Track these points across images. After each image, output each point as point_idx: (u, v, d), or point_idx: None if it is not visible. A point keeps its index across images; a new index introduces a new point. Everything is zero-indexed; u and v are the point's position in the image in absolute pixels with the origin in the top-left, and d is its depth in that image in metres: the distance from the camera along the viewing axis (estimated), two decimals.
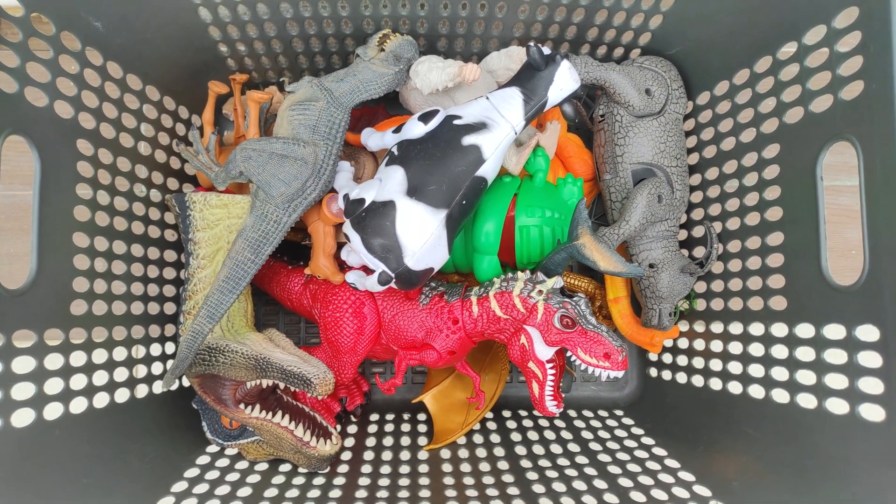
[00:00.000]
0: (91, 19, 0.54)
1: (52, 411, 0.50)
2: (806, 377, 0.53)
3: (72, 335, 0.53)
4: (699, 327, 0.69)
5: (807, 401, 0.53)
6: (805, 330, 0.54)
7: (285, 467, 0.63)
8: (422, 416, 0.76)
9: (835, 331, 0.50)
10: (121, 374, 0.58)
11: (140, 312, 0.62)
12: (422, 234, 0.54)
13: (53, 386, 0.50)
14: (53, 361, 0.50)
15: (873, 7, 0.46)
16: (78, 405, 0.52)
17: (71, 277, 0.53)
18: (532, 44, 0.56)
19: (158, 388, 0.64)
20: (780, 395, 0.56)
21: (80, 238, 0.54)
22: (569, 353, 0.59)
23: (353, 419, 0.75)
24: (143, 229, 0.64)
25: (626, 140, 0.66)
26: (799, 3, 0.54)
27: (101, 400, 0.55)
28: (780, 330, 0.57)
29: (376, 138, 0.63)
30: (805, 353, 0.54)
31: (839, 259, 0.74)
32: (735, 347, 0.62)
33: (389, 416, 0.75)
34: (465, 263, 0.67)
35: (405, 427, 0.73)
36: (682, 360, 0.71)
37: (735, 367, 0.62)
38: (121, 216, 0.60)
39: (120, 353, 0.59)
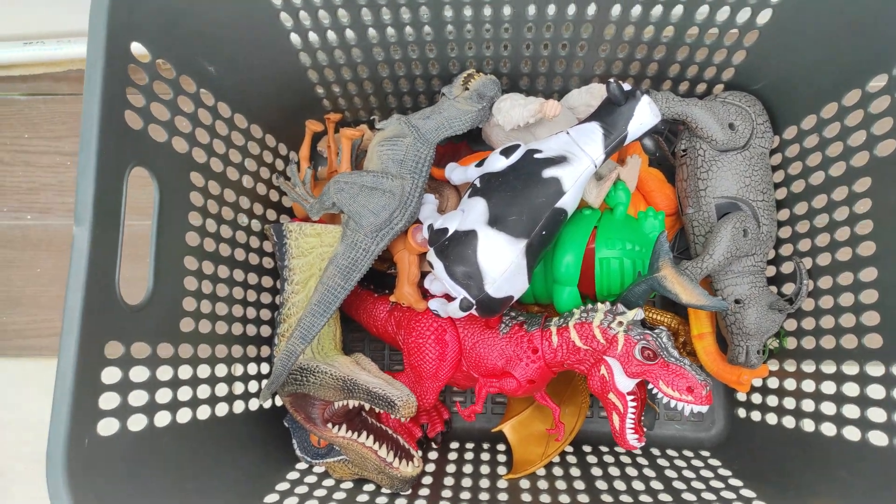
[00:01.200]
0: (206, 63, 0.60)
1: (162, 419, 0.54)
2: None
3: (180, 350, 0.57)
4: (790, 366, 0.67)
5: None
6: None
7: (369, 487, 0.65)
8: (501, 447, 0.76)
9: None
10: (221, 390, 0.63)
11: (240, 333, 0.67)
12: (502, 263, 0.56)
13: (163, 395, 0.55)
14: (164, 373, 0.55)
15: None
16: (184, 415, 0.57)
17: (181, 297, 0.58)
18: (612, 80, 0.58)
19: (254, 404, 0.68)
20: (878, 438, 0.53)
21: (190, 262, 0.59)
22: (651, 387, 0.58)
23: (434, 446, 0.76)
24: (245, 256, 0.69)
25: (709, 174, 0.66)
26: (887, 35, 0.53)
27: (203, 412, 0.59)
28: (875, 369, 0.55)
29: (459, 172, 0.66)
30: None
31: None
32: (828, 387, 0.60)
33: (469, 445, 0.76)
34: (545, 294, 0.68)
35: (485, 456, 0.73)
36: (773, 401, 0.69)
37: (828, 408, 0.60)
38: (225, 243, 0.65)
39: (221, 370, 0.63)
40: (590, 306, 0.62)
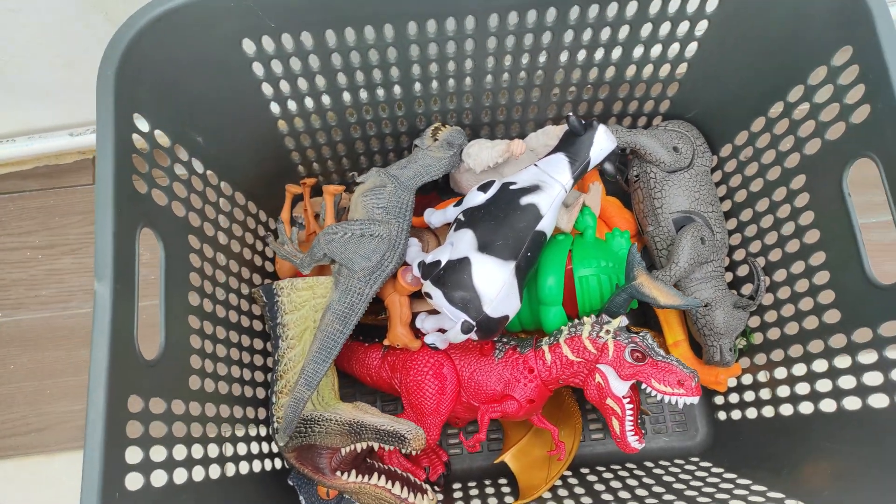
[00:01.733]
0: (194, 134, 0.64)
1: (180, 476, 0.54)
2: (873, 378, 0.56)
3: (191, 407, 0.58)
4: (760, 360, 0.72)
5: (879, 401, 0.56)
6: (863, 334, 0.58)
7: None
8: (503, 479, 0.78)
9: (892, 327, 0.54)
10: (228, 449, 0.63)
11: (239, 394, 0.68)
12: (496, 284, 0.60)
13: (179, 452, 0.55)
14: (179, 430, 0.55)
15: (865, 44, 0.54)
16: (198, 473, 0.57)
17: (188, 355, 0.59)
18: (570, 114, 0.65)
19: (257, 465, 0.68)
20: (852, 403, 0.59)
21: (193, 320, 0.61)
22: (644, 387, 0.62)
23: (437, 489, 0.77)
24: (237, 318, 0.70)
25: (662, 193, 0.73)
26: (798, 52, 0.62)
27: (214, 471, 0.59)
28: (839, 341, 0.61)
29: (438, 215, 0.71)
30: (868, 357, 0.57)
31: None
32: (799, 369, 0.66)
33: (472, 483, 0.78)
34: (531, 319, 0.72)
35: (490, 490, 0.75)
36: (749, 396, 0.74)
37: (803, 388, 0.65)
38: (220, 304, 0.67)
39: (226, 429, 0.64)
40: (576, 321, 0.66)
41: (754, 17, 0.63)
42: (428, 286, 0.63)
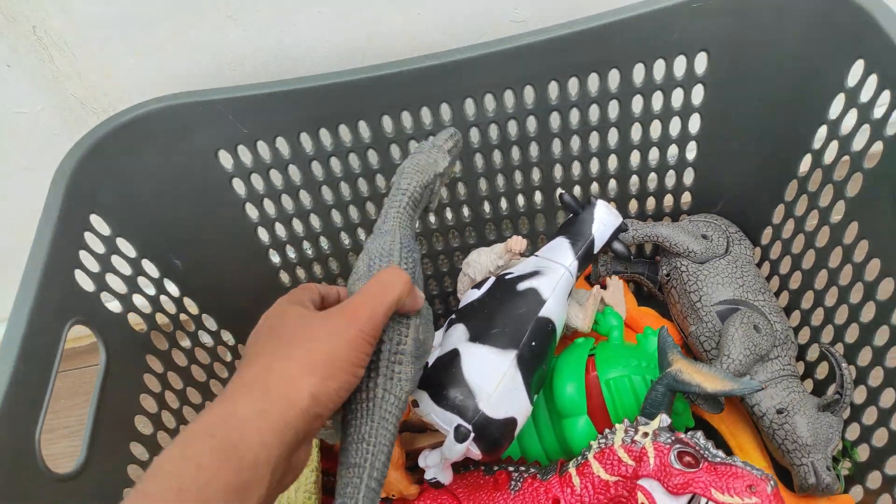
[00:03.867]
0: (171, 256, 0.61)
1: None
2: None
3: None
4: (874, 481, 0.54)
5: None
6: None
7: None
8: None
9: None
10: None
11: None
12: (493, 375, 0.49)
13: None
14: None
15: (877, 47, 0.48)
16: None
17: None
18: (562, 191, 0.59)
19: None
20: None
21: (136, 448, 0.51)
22: (705, 501, 0.46)
23: None
24: None
25: (698, 285, 0.62)
26: (809, 91, 0.56)
27: None
28: None
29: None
30: None
31: None
32: None
33: None
34: (556, 446, 0.58)
35: None
36: None
37: None
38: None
39: None
40: (606, 431, 0.52)
41: (752, 68, 0.58)
42: (415, 392, 0.52)
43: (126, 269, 0.56)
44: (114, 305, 0.54)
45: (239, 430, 0.30)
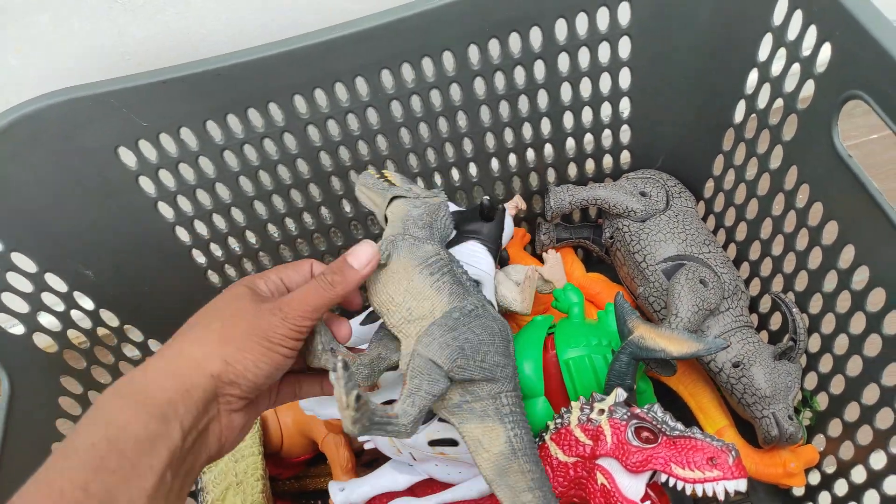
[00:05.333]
0: (80, 267, 0.56)
1: None
2: None
3: None
4: (835, 429, 0.53)
5: None
6: None
7: None
8: None
9: None
10: None
11: None
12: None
13: None
14: None
15: None
16: None
17: None
18: (486, 198, 0.56)
19: None
20: None
21: None
22: (666, 478, 0.44)
23: None
24: None
25: (641, 244, 0.60)
26: (737, 33, 0.54)
27: None
28: None
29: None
30: None
31: None
32: (885, 418, 0.47)
33: None
34: None
35: None
36: (842, 487, 0.53)
37: None
38: None
39: None
40: (563, 411, 0.50)
41: (677, 14, 0.55)
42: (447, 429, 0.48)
43: (26, 287, 0.51)
44: (15, 329, 0.49)
45: (145, 387, 0.33)
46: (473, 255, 0.55)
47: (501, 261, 0.60)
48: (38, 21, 0.55)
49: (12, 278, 0.50)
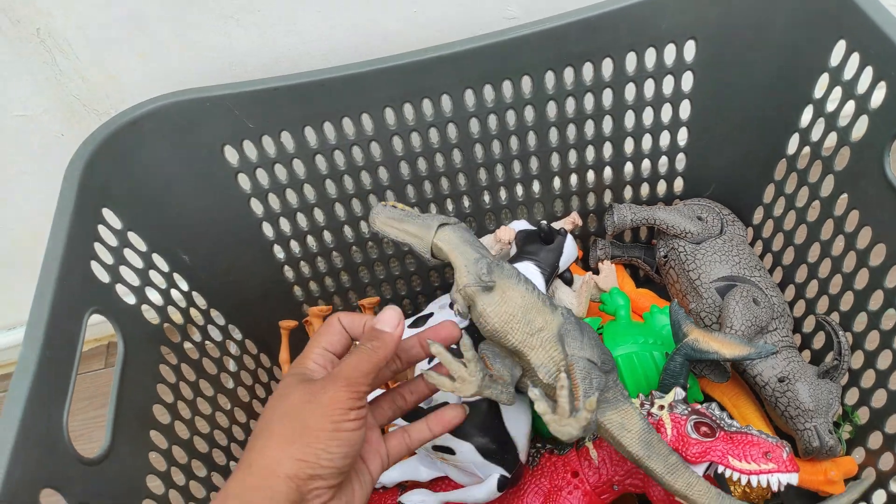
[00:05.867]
0: (179, 251, 0.62)
1: None
2: None
3: None
4: (875, 441, 0.56)
5: None
6: None
7: None
8: None
9: None
10: None
11: None
12: (526, 423, 0.53)
13: None
14: None
15: (857, 26, 0.51)
16: None
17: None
18: (543, 222, 0.61)
19: None
20: None
21: (156, 437, 0.52)
22: (723, 470, 0.48)
23: None
24: (208, 449, 0.60)
25: (696, 264, 0.64)
26: (794, 72, 0.59)
27: None
28: None
29: None
30: None
31: None
32: None
33: None
34: None
35: None
36: (880, 497, 0.56)
37: None
38: (201, 437, 0.58)
39: None
40: None
41: (738, 53, 0.61)
42: (448, 440, 0.50)
43: (138, 263, 0.57)
44: (129, 297, 0.54)
45: None
46: (528, 276, 0.59)
47: (566, 281, 0.64)
48: (161, 30, 0.62)
49: (128, 254, 0.55)
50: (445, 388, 0.43)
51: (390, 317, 0.41)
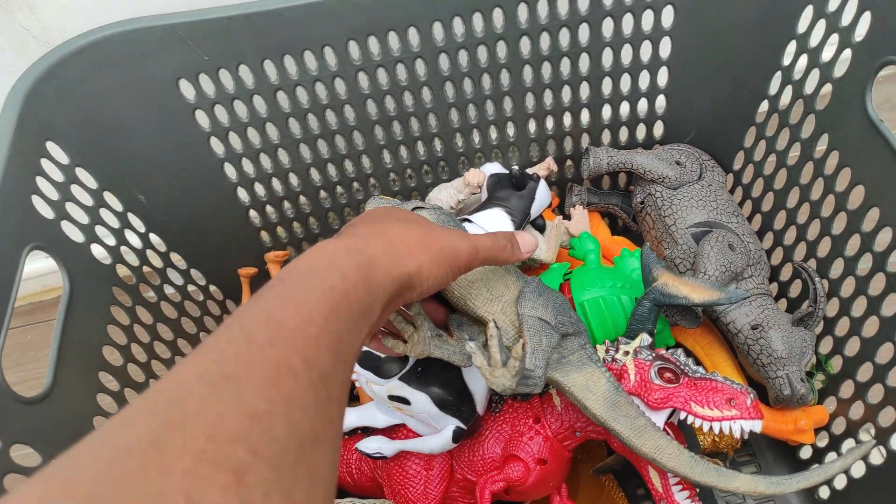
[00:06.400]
0: (135, 190, 0.59)
1: None
2: None
3: None
4: (847, 391, 0.55)
5: None
6: None
7: None
8: None
9: None
10: None
11: None
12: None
13: None
14: None
15: None
16: None
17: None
18: (515, 167, 0.58)
19: None
20: None
21: (105, 378, 0.50)
22: (685, 416, 0.46)
23: None
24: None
25: (672, 209, 0.62)
26: (778, 7, 0.56)
27: None
28: None
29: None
30: None
31: None
32: None
33: None
34: None
35: None
36: (850, 447, 0.55)
37: None
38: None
39: None
40: None
41: None
42: (403, 389, 0.49)
43: (87, 200, 0.54)
44: (76, 235, 0.52)
45: (369, 262, 0.31)
46: (497, 224, 0.57)
47: (539, 228, 0.62)
48: None
49: (75, 190, 0.53)
50: (398, 351, 0.42)
51: (529, 242, 0.42)
